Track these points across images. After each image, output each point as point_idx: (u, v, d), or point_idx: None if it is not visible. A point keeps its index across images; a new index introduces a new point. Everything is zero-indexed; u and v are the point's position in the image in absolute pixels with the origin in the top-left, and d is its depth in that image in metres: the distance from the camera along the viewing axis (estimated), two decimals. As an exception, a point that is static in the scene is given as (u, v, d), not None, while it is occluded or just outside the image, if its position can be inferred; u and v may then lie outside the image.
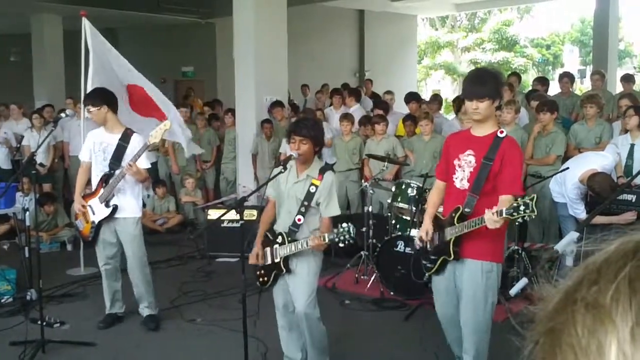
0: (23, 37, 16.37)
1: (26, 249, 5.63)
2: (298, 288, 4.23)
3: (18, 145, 7.76)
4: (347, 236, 3.84)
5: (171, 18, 16.40)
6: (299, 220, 4.15)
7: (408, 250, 6.14)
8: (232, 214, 6.52)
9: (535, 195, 3.52)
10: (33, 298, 5.89)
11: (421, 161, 7.70)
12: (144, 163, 5.35)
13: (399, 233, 6.45)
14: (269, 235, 4.32)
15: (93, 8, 10.66)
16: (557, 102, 8.60)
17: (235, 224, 7.46)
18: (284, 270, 4.21)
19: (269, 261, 4.28)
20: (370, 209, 6.81)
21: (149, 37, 17.81)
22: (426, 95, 15.25)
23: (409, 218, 6.48)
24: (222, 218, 7.22)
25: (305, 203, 4.13)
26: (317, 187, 4.13)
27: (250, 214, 7.40)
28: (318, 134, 4.21)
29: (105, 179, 5.40)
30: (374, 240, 6.80)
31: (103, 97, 5.47)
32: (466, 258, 3.86)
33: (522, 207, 3.44)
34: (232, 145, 9.90)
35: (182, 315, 5.85)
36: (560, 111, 8.18)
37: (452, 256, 3.88)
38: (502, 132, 3.85)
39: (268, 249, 4.28)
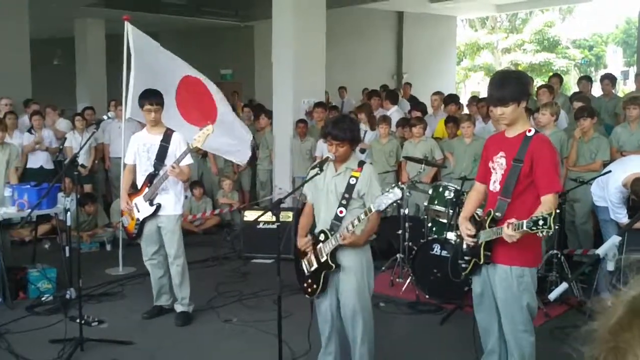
0: (66, 41, 16.73)
1: (67, 248, 5.75)
2: (349, 286, 4.12)
3: (61, 147, 7.91)
4: (394, 199, 3.75)
5: (210, 21, 16.58)
6: (341, 212, 4.06)
7: (444, 253, 6.08)
8: (268, 216, 6.55)
9: (554, 211, 3.42)
10: (72, 297, 6.00)
11: (461, 164, 7.60)
12: (186, 160, 5.57)
13: (435, 236, 6.39)
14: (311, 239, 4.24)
15: (135, 12, 10.85)
16: (599, 104, 8.43)
17: (271, 226, 7.48)
18: (334, 267, 4.07)
19: (315, 265, 4.17)
20: (406, 212, 6.76)
21: (188, 40, 18.01)
22: (465, 97, 15.10)
23: (445, 221, 6.41)
24: (258, 219, 7.25)
25: (346, 195, 4.07)
26: (357, 178, 4.08)
27: (286, 216, 7.42)
28: (354, 134, 4.18)
29: (150, 179, 5.63)
30: (410, 243, 6.75)
31: (162, 98, 5.72)
32: (497, 263, 3.81)
33: (540, 222, 3.35)
34: (265, 147, 9.95)
35: (218, 316, 5.89)
36: (602, 113, 8.01)
37: (482, 260, 3.83)
38: (530, 130, 3.76)
39: (311, 254, 4.18)
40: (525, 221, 3.44)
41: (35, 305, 6.09)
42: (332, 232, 4.07)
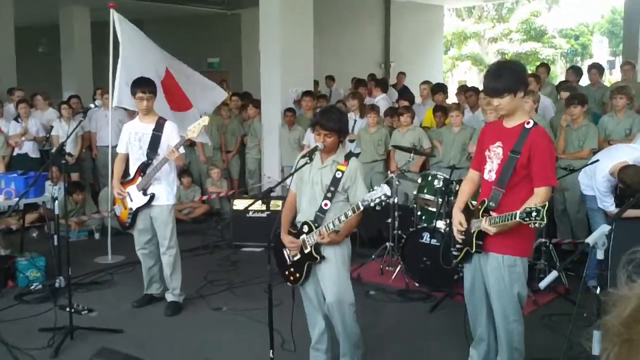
0: (51, 29, 16.54)
1: (55, 236, 5.73)
2: (329, 276, 4.14)
3: (47, 135, 7.86)
4: (382, 197, 3.77)
5: (197, 9, 16.45)
6: (326, 205, 4.07)
7: (434, 241, 6.12)
8: (258, 204, 6.55)
9: (547, 203, 3.47)
10: (62, 285, 5.98)
11: (449, 153, 7.63)
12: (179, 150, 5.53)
13: (425, 224, 6.43)
14: (292, 230, 4.25)
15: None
16: (587, 93, 8.48)
17: (260, 214, 7.48)
18: (318, 258, 4.10)
19: (298, 255, 4.19)
20: (395, 200, 6.79)
21: (175, 28, 17.88)
22: (452, 87, 15.12)
23: (434, 209, 6.45)
24: (247, 208, 7.25)
25: (332, 188, 4.07)
26: (343, 172, 4.09)
27: (276, 205, 7.41)
28: (343, 125, 4.19)
29: (142, 168, 5.59)
30: (400, 232, 6.79)
31: (154, 86, 5.67)
32: (490, 252, 3.83)
33: (533, 214, 3.39)
34: (254, 136, 9.94)
35: (208, 304, 5.90)
36: (589, 102, 8.04)
37: (474, 249, 3.85)
38: (528, 122, 3.75)
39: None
40: (518, 212, 3.47)
41: (25, 294, 6.07)
42: (317, 225, 4.08)
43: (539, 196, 3.63)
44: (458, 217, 3.99)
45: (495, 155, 3.84)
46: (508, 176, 3.74)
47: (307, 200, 4.20)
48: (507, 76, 3.71)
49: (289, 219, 4.33)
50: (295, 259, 4.21)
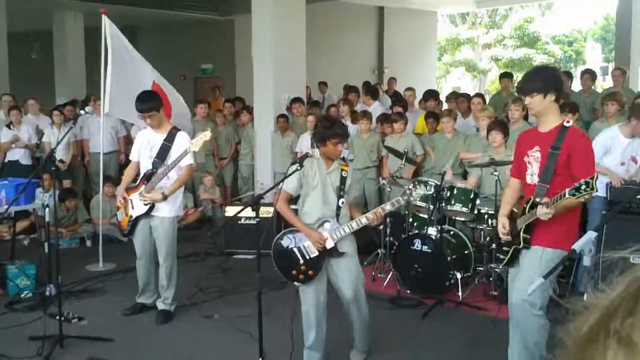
0: (44, 34, 16.52)
1: (46, 244, 5.70)
2: (348, 270, 4.42)
3: (38, 142, 7.81)
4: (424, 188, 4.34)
5: (190, 15, 16.45)
6: (342, 203, 4.46)
7: (425, 248, 6.12)
8: (249, 211, 6.53)
9: (597, 174, 3.52)
10: (52, 293, 5.95)
11: (442, 159, 7.63)
12: (186, 160, 5.47)
13: (416, 231, 6.43)
14: None
15: (113, 5, 10.74)
16: (578, 100, 8.52)
17: (252, 221, 7.47)
18: (345, 253, 4.38)
19: (316, 252, 4.38)
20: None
21: (168, 34, 17.87)
22: (446, 92, 15.10)
23: (426, 216, 6.45)
24: (239, 215, 7.22)
25: (342, 187, 4.48)
26: (347, 172, 4.53)
27: (267, 212, 7.39)
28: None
29: (147, 177, 5.56)
30: (391, 238, 6.78)
31: (158, 101, 5.64)
32: (533, 246, 3.87)
33: (583, 187, 3.43)
34: (247, 142, 9.94)
35: (200, 312, 5.88)
36: (580, 109, 8.08)
37: (522, 244, 3.91)
38: (568, 122, 3.88)
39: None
40: (567, 189, 3.51)
41: (14, 302, 6.03)
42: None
43: None
44: (502, 220, 4.07)
45: (534, 159, 3.94)
46: (551, 171, 3.81)
47: (318, 201, 4.45)
48: (539, 77, 3.89)
49: (299, 217, 4.54)
50: (313, 255, 4.37)
